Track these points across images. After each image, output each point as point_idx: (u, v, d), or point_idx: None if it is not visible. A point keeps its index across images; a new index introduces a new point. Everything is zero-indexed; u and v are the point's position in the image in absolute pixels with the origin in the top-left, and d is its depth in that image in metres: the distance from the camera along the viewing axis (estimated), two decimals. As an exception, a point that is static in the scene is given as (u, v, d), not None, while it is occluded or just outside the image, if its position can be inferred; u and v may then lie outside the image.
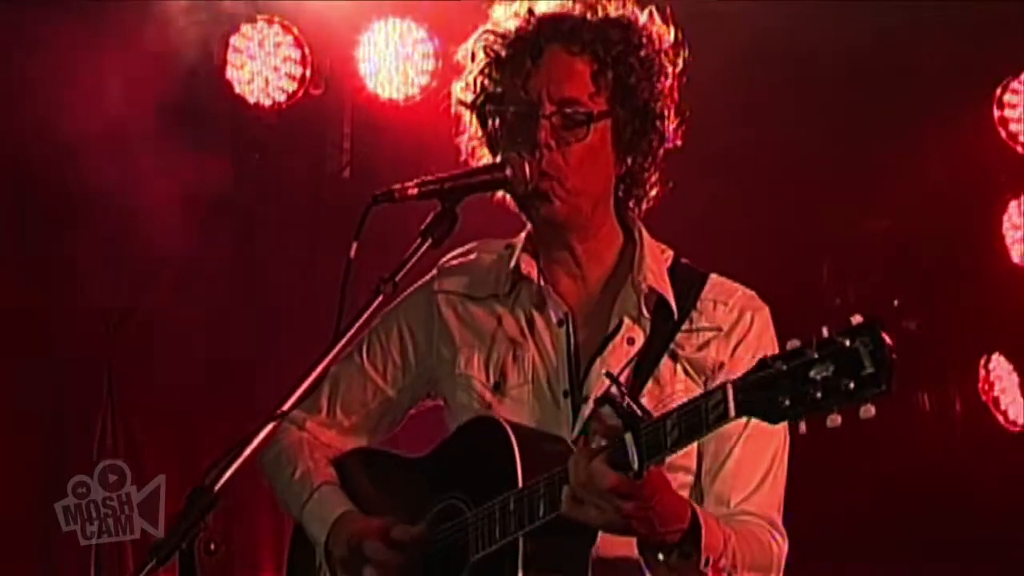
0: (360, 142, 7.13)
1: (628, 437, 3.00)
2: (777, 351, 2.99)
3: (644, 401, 3.27)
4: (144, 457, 6.44)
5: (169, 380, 6.68)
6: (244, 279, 6.98)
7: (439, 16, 6.71)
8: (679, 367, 3.44)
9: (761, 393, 2.83)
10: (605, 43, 3.45)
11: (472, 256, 3.70)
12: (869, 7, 7.04)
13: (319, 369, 3.19)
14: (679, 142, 3.59)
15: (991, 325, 7.60)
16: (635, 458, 2.99)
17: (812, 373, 2.76)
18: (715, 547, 3.18)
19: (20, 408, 6.39)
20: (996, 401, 7.64)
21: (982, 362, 7.66)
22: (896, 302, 7.80)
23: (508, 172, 3.39)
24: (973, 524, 7.49)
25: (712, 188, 7.34)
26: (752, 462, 3.42)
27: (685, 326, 3.45)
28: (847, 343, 2.73)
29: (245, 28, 6.74)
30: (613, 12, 3.52)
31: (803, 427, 2.81)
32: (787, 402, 2.79)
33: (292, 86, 6.79)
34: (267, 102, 6.77)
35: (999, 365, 7.67)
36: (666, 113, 3.53)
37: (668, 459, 3.26)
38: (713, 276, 3.55)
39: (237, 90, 6.74)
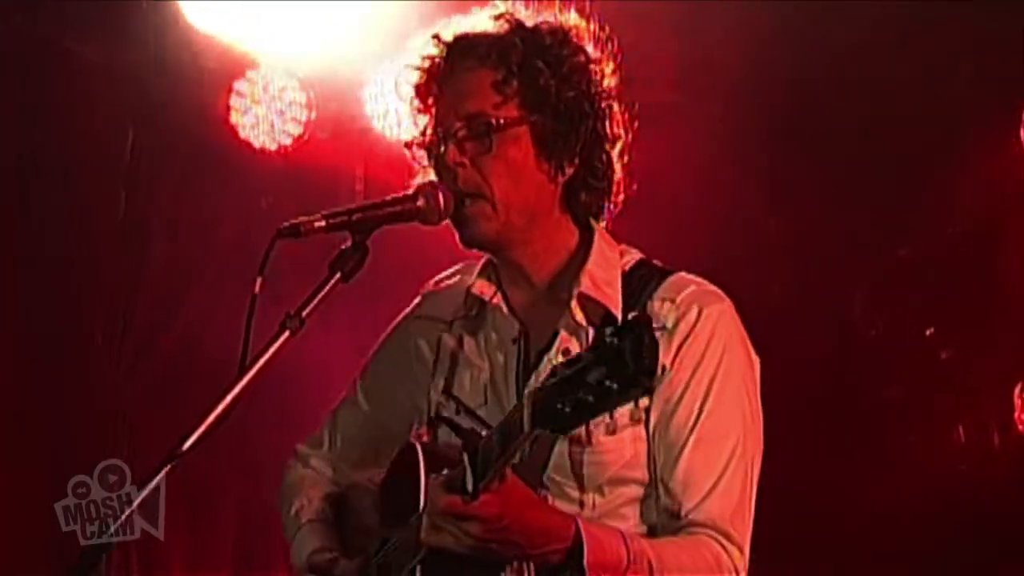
0: (372, 184, 7.10)
1: (465, 457, 2.95)
2: (741, 352, 2.93)
3: None
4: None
5: (187, 424, 6.64)
6: (260, 324, 6.94)
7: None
8: None
9: (549, 402, 2.73)
10: (504, 51, 3.36)
11: (455, 279, 3.66)
12: (897, 30, 6.93)
13: (221, 408, 3.17)
14: (628, 138, 3.49)
15: (1026, 353, 7.41)
16: (469, 478, 2.93)
17: (589, 377, 2.65)
18: (611, 563, 3.08)
19: (29, 461, 6.39)
20: (1034, 430, 7.44)
21: (1017, 391, 7.45)
22: (929, 331, 7.64)
23: (420, 203, 3.33)
24: (1015, 556, 7.30)
25: (746, 215, 7.29)
26: (701, 469, 3.28)
27: None
28: (615, 342, 2.62)
29: (250, 73, 6.73)
30: (525, 22, 3.43)
31: None
32: (567, 409, 2.68)
33: (298, 130, 6.77)
34: (273, 147, 6.75)
35: (1035, 394, 7.46)
36: (600, 111, 3.42)
37: (615, 473, 3.26)
38: (676, 274, 3.41)
39: (242, 135, 6.73)
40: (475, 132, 3.34)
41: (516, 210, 3.36)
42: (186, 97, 6.75)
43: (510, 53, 3.37)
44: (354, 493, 3.75)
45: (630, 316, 2.67)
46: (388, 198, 3.42)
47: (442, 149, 3.37)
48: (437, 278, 3.70)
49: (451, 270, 3.69)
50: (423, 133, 3.48)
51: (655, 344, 2.59)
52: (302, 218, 3.27)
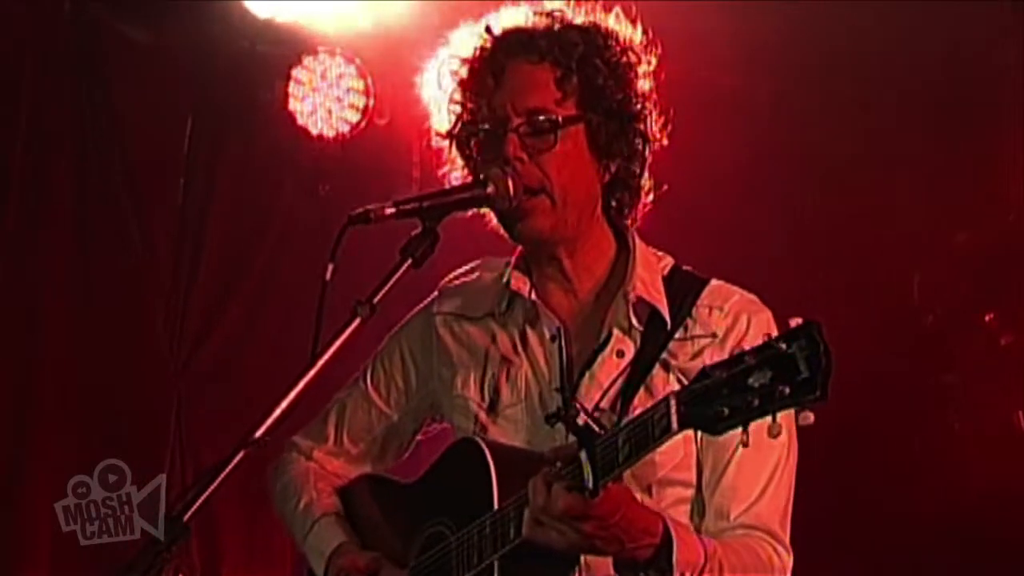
0: (429, 170, 7.09)
1: (583, 455, 2.92)
2: None
3: (636, 413, 3.19)
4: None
5: (239, 414, 6.69)
6: (313, 308, 6.96)
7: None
8: (672, 377, 3.34)
9: (702, 404, 2.74)
10: (565, 48, 3.38)
11: (474, 275, 3.66)
12: (953, 15, 6.88)
13: (293, 394, 3.16)
14: (666, 141, 3.49)
15: (1087, 338, 7.35)
16: (590, 477, 2.91)
17: (751, 380, 2.67)
18: (692, 562, 3.09)
19: (86, 447, 6.42)
20: (1094, 417, 7.37)
21: (1077, 375, 7.40)
22: (988, 317, 7.59)
23: (490, 189, 3.33)
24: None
25: (799, 198, 7.27)
26: (751, 473, 3.33)
27: (679, 335, 3.37)
28: (784, 347, 2.63)
29: (307, 60, 6.75)
30: (575, 19, 3.45)
31: (811, 417, 2.67)
32: (726, 411, 2.70)
33: (356, 117, 6.79)
34: (330, 133, 6.77)
35: (1096, 379, 7.39)
36: (645, 113, 3.45)
37: (665, 474, 3.29)
38: (713, 282, 3.46)
39: (300, 122, 6.75)
40: (538, 128, 3.35)
41: (572, 207, 3.38)
42: (244, 84, 6.78)
43: (571, 51, 3.39)
44: (358, 488, 3.73)
45: (795, 322, 2.66)
46: (457, 185, 3.44)
47: (500, 142, 3.36)
48: (454, 274, 3.69)
49: (468, 267, 3.69)
50: (464, 123, 3.48)
51: (829, 349, 2.60)
52: (372, 205, 3.25)
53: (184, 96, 6.78)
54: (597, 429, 2.94)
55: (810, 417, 2.62)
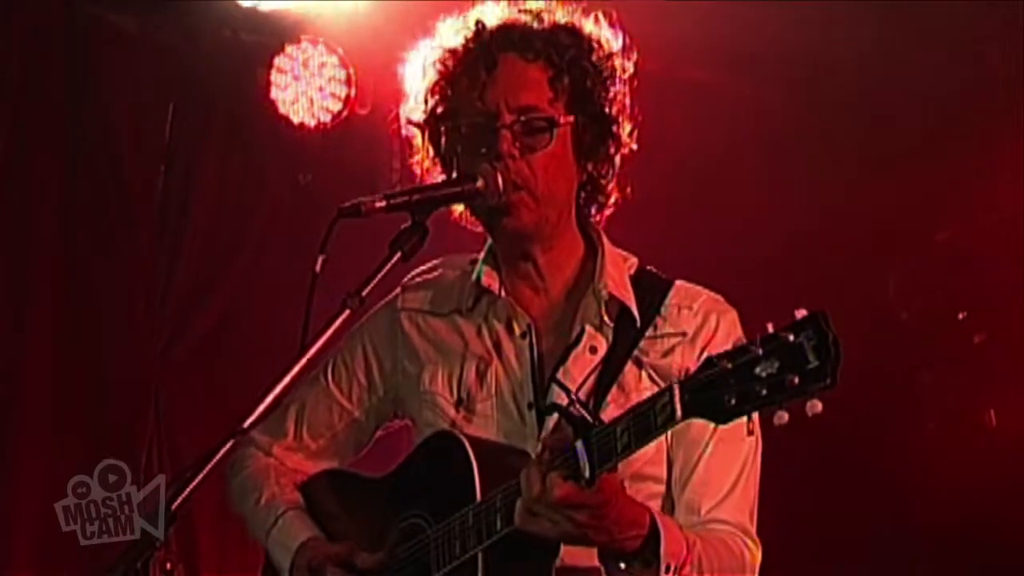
0: (409, 161, 7.11)
1: (579, 445, 2.95)
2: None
3: (609, 408, 3.26)
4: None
5: (218, 403, 6.71)
6: (294, 300, 6.98)
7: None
8: (644, 373, 3.37)
9: (707, 393, 2.78)
10: (558, 49, 3.40)
11: (436, 272, 3.67)
12: (941, 15, 6.92)
13: (282, 385, 3.17)
14: (635, 146, 3.52)
15: (1059, 339, 7.40)
16: (586, 466, 2.94)
17: (757, 370, 2.70)
18: (677, 553, 3.12)
19: (65, 432, 6.42)
20: (1065, 416, 7.42)
21: (1049, 375, 7.45)
22: (962, 315, 7.64)
23: (480, 184, 3.34)
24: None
25: (776, 196, 7.30)
26: (722, 469, 3.37)
27: (649, 332, 3.41)
28: (791, 338, 2.66)
29: (289, 48, 6.75)
30: (561, 19, 3.47)
31: (784, 416, 2.71)
32: (733, 400, 2.74)
33: (337, 106, 6.80)
34: (312, 122, 6.77)
35: (1067, 378, 7.45)
36: (621, 118, 3.48)
37: (637, 469, 3.30)
38: (679, 282, 3.50)
39: (282, 111, 6.75)
40: (531, 127, 3.37)
41: (552, 205, 3.41)
42: (226, 72, 6.78)
43: (563, 52, 3.41)
44: (317, 483, 3.72)
45: (803, 313, 2.68)
46: (447, 179, 3.45)
47: (490, 137, 3.36)
48: (415, 272, 3.68)
49: (429, 264, 3.68)
50: (446, 114, 3.48)
51: (838, 339, 2.63)
52: (363, 198, 3.27)
53: (167, 84, 6.77)
54: (591, 419, 2.96)
55: (818, 406, 2.64)
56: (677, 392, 2.84)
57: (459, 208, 3.50)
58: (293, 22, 6.74)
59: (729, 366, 2.75)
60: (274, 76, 6.74)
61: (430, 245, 3.30)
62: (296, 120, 6.75)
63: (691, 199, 7.23)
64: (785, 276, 6.95)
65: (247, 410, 6.60)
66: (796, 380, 2.65)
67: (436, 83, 3.48)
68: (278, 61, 6.74)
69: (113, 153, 6.76)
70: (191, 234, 6.80)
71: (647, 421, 2.90)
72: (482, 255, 3.55)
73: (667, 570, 3.09)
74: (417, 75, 3.53)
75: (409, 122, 3.55)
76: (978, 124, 7.18)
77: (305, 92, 6.75)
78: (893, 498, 7.28)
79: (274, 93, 6.73)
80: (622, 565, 3.10)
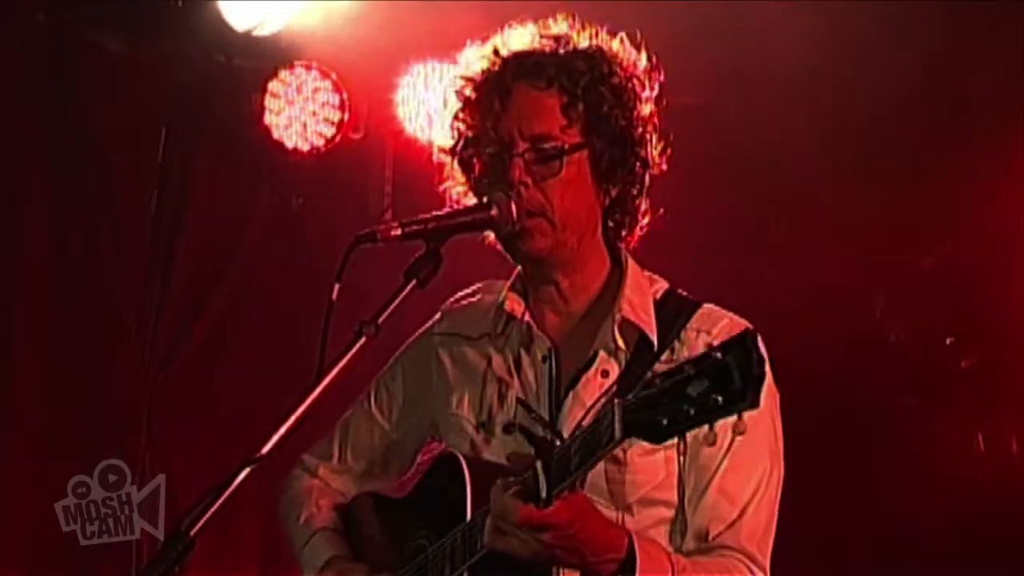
0: (401, 185, 7.14)
1: (538, 465, 3.00)
2: (770, 383, 2.94)
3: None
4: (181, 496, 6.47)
5: (209, 423, 6.73)
6: (285, 321, 7.01)
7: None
8: None
9: (643, 413, 2.82)
10: (571, 75, 3.45)
11: (476, 298, 3.73)
12: (918, 36, 6.97)
13: (298, 412, 3.19)
14: (664, 167, 3.56)
15: (1046, 362, 7.44)
16: (543, 486, 2.99)
17: (689, 390, 2.74)
18: None
19: (57, 451, 6.41)
20: (1052, 441, 7.47)
21: (1036, 400, 7.50)
22: (949, 340, 7.68)
23: (494, 212, 3.40)
24: (1029, 567, 7.35)
25: (761, 220, 7.33)
26: (732, 494, 3.39)
27: (664, 357, 3.43)
28: (719, 357, 2.70)
29: (283, 73, 6.77)
30: (581, 44, 3.51)
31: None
32: (664, 421, 2.77)
33: (330, 131, 6.81)
34: (305, 147, 6.79)
35: (1053, 403, 7.50)
36: (646, 139, 3.52)
37: (645, 494, 3.35)
38: (705, 307, 3.52)
39: (275, 135, 6.76)
40: (544, 155, 3.42)
41: (571, 229, 3.46)
42: (220, 96, 6.79)
43: (577, 78, 3.46)
44: (358, 505, 3.80)
45: (734, 334, 2.73)
46: (462, 207, 3.50)
47: (505, 166, 3.43)
48: (456, 296, 3.76)
49: (471, 288, 3.76)
50: (467, 142, 3.54)
51: (763, 359, 2.66)
52: (380, 226, 3.33)
53: (159, 108, 6.78)
54: (552, 439, 3.01)
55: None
56: (618, 413, 2.89)
57: (491, 235, 3.54)
58: (286, 47, 6.74)
59: (665, 385, 2.79)
60: (268, 101, 6.75)
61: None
62: (290, 145, 6.76)
63: (669, 218, 7.24)
64: (772, 298, 6.97)
65: (242, 428, 6.66)
66: (720, 400, 2.70)
67: (459, 111, 3.54)
68: (272, 86, 6.76)
69: (105, 175, 6.77)
70: (183, 255, 6.81)
71: (595, 440, 2.95)
72: (511, 280, 3.60)
73: None
74: (440, 102, 3.64)
75: (440, 150, 3.60)
76: (955, 147, 7.22)
77: (299, 117, 6.77)
78: (881, 525, 7.29)
79: (268, 118, 6.74)
80: None
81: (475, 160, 3.53)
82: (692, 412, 2.72)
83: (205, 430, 6.70)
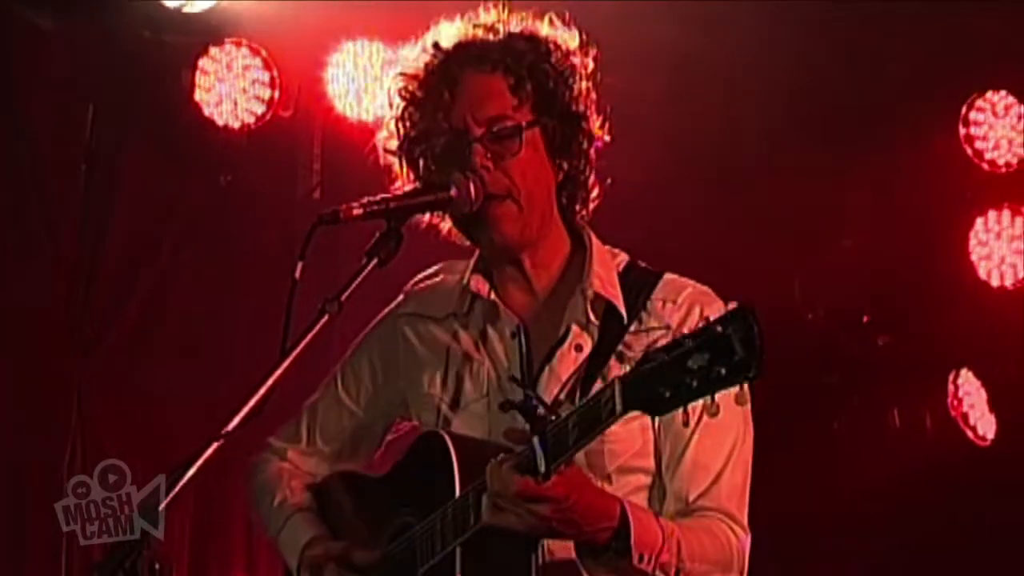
0: (330, 163, 7.15)
1: (535, 440, 3.07)
2: None
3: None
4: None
5: (140, 403, 6.71)
6: (215, 300, 7.01)
7: (409, 38, 6.71)
8: (627, 368, 3.45)
9: (645, 386, 2.91)
10: (515, 56, 3.53)
11: (438, 278, 3.77)
12: (837, 24, 7.08)
13: (263, 390, 3.23)
14: (607, 138, 3.63)
15: (959, 341, 7.61)
16: (541, 460, 3.06)
17: (690, 363, 2.82)
18: (650, 543, 3.24)
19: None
20: (965, 416, 7.64)
21: (951, 378, 7.68)
22: (866, 318, 7.84)
23: (453, 192, 3.45)
24: (943, 539, 7.51)
25: (684, 202, 7.41)
26: (708, 457, 3.46)
27: (633, 327, 3.50)
28: (719, 330, 2.79)
29: (213, 51, 6.74)
30: (516, 27, 3.59)
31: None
32: (667, 393, 2.86)
33: (261, 108, 6.79)
34: (236, 124, 6.77)
35: (968, 381, 7.68)
36: (588, 114, 3.59)
37: (624, 462, 3.42)
38: (667, 276, 3.59)
39: (206, 112, 6.74)
40: (502, 134, 3.48)
41: (535, 210, 3.53)
42: (150, 73, 6.75)
43: (521, 59, 3.54)
44: (332, 484, 3.83)
45: (733, 305, 2.83)
46: (422, 187, 3.55)
47: (463, 154, 3.48)
48: (418, 277, 3.81)
49: (432, 269, 3.81)
50: (416, 137, 3.59)
51: (763, 331, 2.75)
52: (342, 206, 3.36)
53: (88, 83, 6.72)
54: (548, 414, 3.08)
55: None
56: (618, 387, 2.98)
57: (446, 227, 3.62)
58: (217, 24, 6.71)
59: (665, 359, 2.87)
60: (198, 78, 6.72)
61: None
62: (220, 122, 6.74)
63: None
64: (692, 276, 7.05)
65: (172, 408, 6.61)
66: (723, 371, 2.78)
67: (404, 110, 3.59)
68: (202, 63, 6.72)
69: (32, 153, 6.68)
70: (113, 234, 6.76)
71: (594, 415, 3.03)
72: (472, 260, 3.66)
73: (640, 560, 3.22)
74: (385, 105, 3.63)
75: (386, 151, 3.64)
76: (872, 131, 7.36)
77: (229, 94, 6.74)
78: (800, 501, 7.42)
79: (198, 95, 6.71)
80: (595, 557, 3.23)
81: (425, 157, 3.58)
82: (695, 384, 2.81)
83: (137, 409, 6.68)
